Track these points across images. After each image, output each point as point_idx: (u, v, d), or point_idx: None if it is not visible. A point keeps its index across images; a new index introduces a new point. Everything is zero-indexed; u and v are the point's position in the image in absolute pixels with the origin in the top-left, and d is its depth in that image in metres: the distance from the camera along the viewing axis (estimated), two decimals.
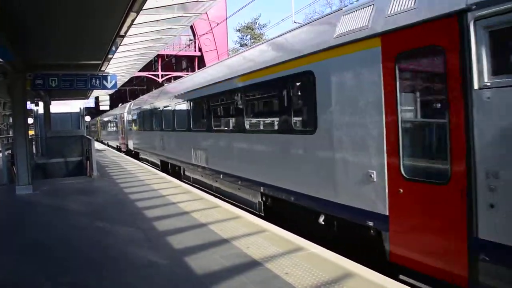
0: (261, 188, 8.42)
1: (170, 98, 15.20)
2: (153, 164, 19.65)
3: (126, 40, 10.88)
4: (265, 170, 8.27)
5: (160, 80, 46.42)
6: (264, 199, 8.67)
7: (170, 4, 10.07)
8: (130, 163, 20.23)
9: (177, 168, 15.51)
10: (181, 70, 53.32)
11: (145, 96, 24.54)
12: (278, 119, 8.00)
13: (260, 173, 8.47)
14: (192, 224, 7.53)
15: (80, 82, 13.11)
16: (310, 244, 6.12)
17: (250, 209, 9.03)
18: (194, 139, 12.51)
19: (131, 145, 25.79)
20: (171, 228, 7.31)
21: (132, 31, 9.91)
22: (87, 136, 19.64)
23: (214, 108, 11.28)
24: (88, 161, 16.18)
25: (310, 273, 4.92)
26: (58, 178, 17.15)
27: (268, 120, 8.80)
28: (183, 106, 13.73)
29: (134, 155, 24.70)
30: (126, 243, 6.63)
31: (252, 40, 54.63)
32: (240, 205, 9.63)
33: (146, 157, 21.52)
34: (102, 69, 13.90)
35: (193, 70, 45.26)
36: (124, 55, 14.73)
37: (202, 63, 46.26)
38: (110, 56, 12.37)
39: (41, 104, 21.63)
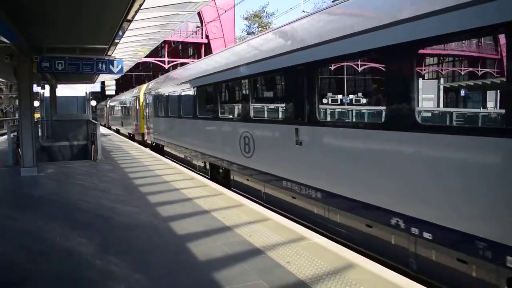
0: None
1: None
2: None
3: (133, 25, 10.81)
4: None
5: (166, 66, 46.31)
6: None
7: None
8: (135, 148, 20.28)
9: None
10: (188, 57, 53.15)
11: None
12: None
13: None
14: (195, 211, 7.56)
15: (86, 66, 13.07)
16: (313, 234, 6.12)
17: None
18: None
19: None
20: (174, 214, 7.35)
21: (139, 16, 9.84)
22: (93, 120, 19.69)
23: None
24: (93, 145, 16.23)
25: (312, 262, 4.92)
26: (63, 161, 17.26)
27: None
28: None
29: None
30: (129, 228, 6.66)
31: (260, 29, 54.31)
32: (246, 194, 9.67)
33: None
34: (109, 53, 13.86)
35: (199, 57, 45.11)
36: (130, 40, 14.65)
37: (208, 51, 46.06)
38: (117, 40, 12.32)
39: (47, 87, 21.67)
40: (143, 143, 23.09)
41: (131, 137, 28.37)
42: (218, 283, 4.45)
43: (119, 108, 36.01)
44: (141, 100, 23.99)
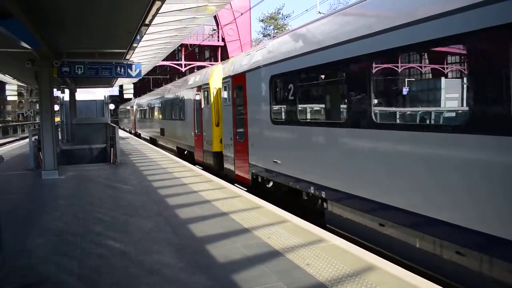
0: None
1: None
2: None
3: (150, 29, 10.93)
4: None
5: (183, 69, 46.66)
6: None
7: None
8: (153, 151, 20.47)
9: None
10: (204, 60, 53.50)
11: None
12: None
13: None
14: (214, 213, 7.60)
15: (105, 70, 13.28)
16: (332, 236, 6.09)
17: None
18: None
19: None
20: (193, 216, 7.39)
21: (156, 20, 9.94)
22: (112, 124, 19.94)
23: None
24: (112, 148, 16.45)
25: (331, 265, 4.89)
26: (82, 164, 17.51)
27: None
28: None
29: None
30: (149, 230, 6.72)
31: (276, 31, 54.36)
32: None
33: None
34: (127, 57, 14.04)
35: (216, 60, 45.38)
36: (148, 44, 14.82)
37: (225, 53, 46.27)
38: (135, 44, 12.48)
39: (67, 91, 22.07)
40: (215, 171, 13.48)
41: (185, 154, 18.43)
42: (237, 284, 4.46)
43: (157, 108, 25.07)
44: (213, 92, 14.01)
